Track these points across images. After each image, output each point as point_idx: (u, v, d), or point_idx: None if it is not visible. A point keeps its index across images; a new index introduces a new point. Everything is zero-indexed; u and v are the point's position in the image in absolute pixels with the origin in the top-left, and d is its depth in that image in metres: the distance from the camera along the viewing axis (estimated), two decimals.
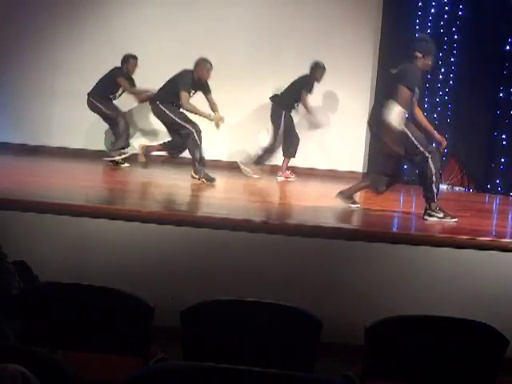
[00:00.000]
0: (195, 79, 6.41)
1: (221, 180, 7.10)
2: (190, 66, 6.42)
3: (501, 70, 7.37)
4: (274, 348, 2.61)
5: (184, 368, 1.93)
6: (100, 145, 7.75)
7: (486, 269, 4.16)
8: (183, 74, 6.39)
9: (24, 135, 7.96)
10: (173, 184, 6.32)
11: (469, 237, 4.29)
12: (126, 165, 7.05)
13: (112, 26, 7.84)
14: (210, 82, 7.07)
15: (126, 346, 2.69)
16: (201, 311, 2.63)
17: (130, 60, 7.16)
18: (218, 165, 7.67)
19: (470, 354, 2.61)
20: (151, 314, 2.66)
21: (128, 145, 7.19)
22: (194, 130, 6.22)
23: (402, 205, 6.37)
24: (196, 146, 6.26)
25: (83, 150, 7.91)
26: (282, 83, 7.54)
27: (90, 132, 7.98)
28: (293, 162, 7.51)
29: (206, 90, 6.54)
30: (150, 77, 6.83)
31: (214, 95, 7.11)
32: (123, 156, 7.05)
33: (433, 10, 7.59)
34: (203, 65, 6.44)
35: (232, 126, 7.78)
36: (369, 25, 7.81)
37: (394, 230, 4.86)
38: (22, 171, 6.44)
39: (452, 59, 7.59)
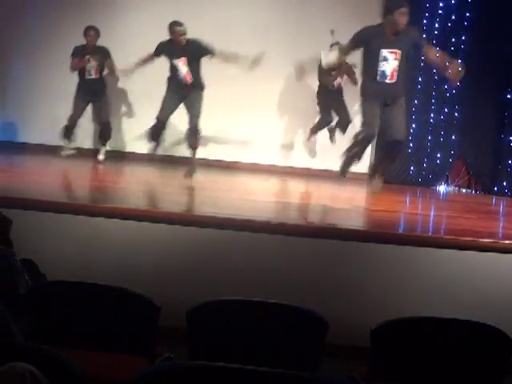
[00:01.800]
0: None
1: (229, 179, 7.12)
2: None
3: (508, 72, 7.35)
4: (280, 348, 2.62)
5: (190, 367, 1.94)
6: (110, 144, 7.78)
7: (493, 271, 4.15)
8: None
9: (31, 135, 7.99)
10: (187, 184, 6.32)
11: (475, 239, 4.28)
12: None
13: (117, 26, 7.86)
14: (218, 77, 7.07)
15: (133, 345, 2.71)
16: (207, 311, 2.64)
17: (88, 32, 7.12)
18: (234, 165, 7.73)
19: (476, 356, 2.60)
20: (158, 313, 2.67)
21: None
22: None
23: (407, 206, 6.37)
24: None
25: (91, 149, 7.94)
26: (285, 81, 7.56)
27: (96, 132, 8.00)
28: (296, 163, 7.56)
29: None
30: (153, 76, 6.81)
31: (220, 90, 7.13)
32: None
33: (440, 12, 7.58)
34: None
35: (238, 124, 7.80)
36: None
37: (400, 231, 4.86)
38: (28, 170, 6.47)
39: (459, 60, 7.55)
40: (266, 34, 7.82)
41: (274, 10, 7.86)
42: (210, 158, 7.90)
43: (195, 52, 6.30)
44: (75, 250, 4.18)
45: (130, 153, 7.89)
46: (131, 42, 7.50)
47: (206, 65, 7.55)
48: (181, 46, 6.27)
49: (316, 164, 7.86)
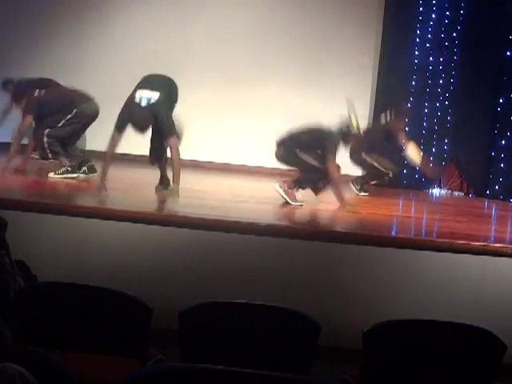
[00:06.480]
0: None
1: (224, 183, 7.12)
2: (190, 67, 6.39)
3: (501, 76, 7.39)
4: (272, 350, 2.62)
5: (182, 369, 1.93)
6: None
7: (485, 273, 4.17)
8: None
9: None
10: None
11: (467, 242, 4.30)
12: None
13: (114, 27, 7.85)
14: (213, 84, 7.04)
15: (124, 347, 2.69)
16: (199, 313, 2.64)
17: None
18: (227, 168, 7.73)
19: (468, 358, 2.61)
20: (150, 315, 2.66)
21: None
22: None
23: (400, 209, 6.38)
24: None
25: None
26: (283, 86, 7.58)
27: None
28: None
29: None
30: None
31: (217, 97, 7.08)
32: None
33: (433, 15, 7.62)
34: None
35: (234, 128, 7.82)
36: (370, 29, 7.84)
37: (393, 234, 4.87)
38: (21, 172, 6.42)
39: (452, 64, 7.60)
40: (262, 37, 7.84)
41: (271, 13, 7.87)
42: (201, 159, 7.92)
43: None
44: (67, 251, 4.17)
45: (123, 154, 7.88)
46: (124, 42, 7.50)
47: (202, 68, 7.60)
48: None
49: None
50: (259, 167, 7.90)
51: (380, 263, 4.20)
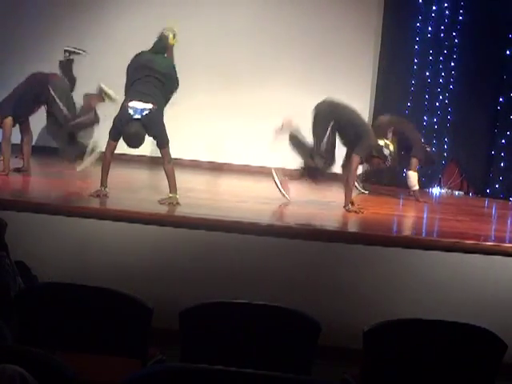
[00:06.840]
0: None
1: (223, 183, 7.12)
2: (190, 67, 6.37)
3: (501, 74, 7.39)
4: (272, 350, 2.62)
5: (182, 370, 1.93)
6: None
7: (486, 273, 4.17)
8: None
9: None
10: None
11: (469, 241, 4.30)
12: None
13: (114, 28, 7.85)
14: (213, 84, 7.01)
15: (125, 347, 2.69)
16: (200, 313, 2.64)
17: None
18: (227, 168, 7.72)
19: (469, 358, 2.61)
20: (150, 315, 2.66)
21: None
22: None
23: (400, 208, 6.38)
24: None
25: None
26: (283, 86, 7.56)
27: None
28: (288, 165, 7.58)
29: None
30: None
31: (216, 97, 7.04)
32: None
33: (433, 15, 7.62)
34: None
35: (235, 128, 7.81)
36: (370, 28, 7.84)
37: (393, 233, 4.86)
38: (22, 172, 6.42)
39: (452, 63, 7.60)
40: (262, 37, 7.83)
41: (271, 13, 7.87)
42: (201, 159, 7.92)
43: None
44: (67, 252, 4.17)
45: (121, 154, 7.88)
46: (123, 40, 7.48)
47: (203, 68, 7.60)
48: None
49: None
50: (260, 167, 7.90)
51: (380, 262, 4.20)
